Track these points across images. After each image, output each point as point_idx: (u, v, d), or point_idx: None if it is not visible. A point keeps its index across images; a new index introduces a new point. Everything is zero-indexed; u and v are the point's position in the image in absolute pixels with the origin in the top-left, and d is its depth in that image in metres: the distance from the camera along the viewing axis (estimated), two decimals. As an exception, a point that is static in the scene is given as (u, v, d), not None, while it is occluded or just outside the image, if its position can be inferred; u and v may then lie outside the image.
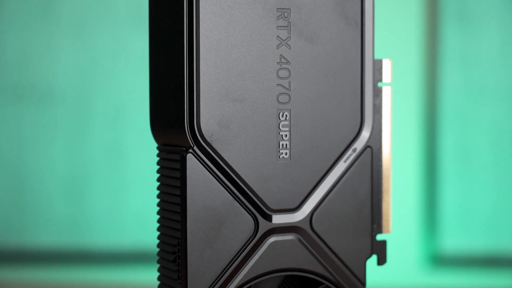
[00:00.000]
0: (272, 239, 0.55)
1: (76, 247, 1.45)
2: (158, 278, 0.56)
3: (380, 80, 0.58)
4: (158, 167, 0.56)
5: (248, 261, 0.54)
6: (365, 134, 0.57)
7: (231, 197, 0.54)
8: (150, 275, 1.40)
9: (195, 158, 0.53)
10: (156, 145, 0.57)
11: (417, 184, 1.35)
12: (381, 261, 0.59)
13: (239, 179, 0.54)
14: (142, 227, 1.45)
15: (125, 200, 1.46)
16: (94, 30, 1.44)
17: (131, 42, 1.44)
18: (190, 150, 0.52)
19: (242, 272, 0.54)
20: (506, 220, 1.45)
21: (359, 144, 0.57)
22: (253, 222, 0.54)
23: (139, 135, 1.45)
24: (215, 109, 0.53)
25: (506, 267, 1.42)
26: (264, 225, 0.54)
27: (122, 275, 1.40)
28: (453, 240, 1.40)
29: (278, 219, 0.55)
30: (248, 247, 0.54)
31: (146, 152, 1.45)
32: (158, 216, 0.56)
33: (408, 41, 1.36)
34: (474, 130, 1.40)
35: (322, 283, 0.56)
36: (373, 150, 0.57)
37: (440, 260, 1.38)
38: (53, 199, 1.45)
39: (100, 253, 1.45)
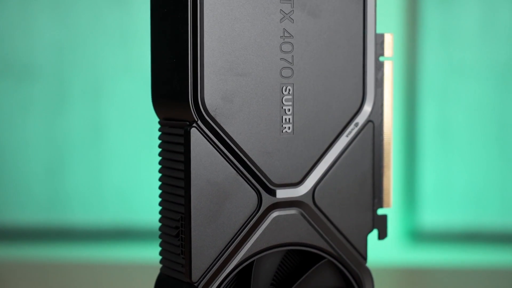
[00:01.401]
0: (275, 213, 0.55)
1: (55, 224, 1.44)
2: (160, 253, 0.56)
3: (382, 54, 0.58)
4: (158, 141, 0.56)
5: (251, 235, 0.54)
6: (367, 108, 0.57)
7: (235, 171, 0.53)
8: (130, 252, 1.40)
9: (199, 133, 0.52)
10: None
11: (396, 160, 1.36)
12: (382, 235, 0.59)
13: (242, 154, 0.53)
14: (122, 204, 1.45)
15: (104, 177, 1.45)
16: (73, 5, 1.42)
17: (110, 17, 1.43)
18: (194, 124, 0.52)
19: (245, 246, 0.54)
20: (484, 196, 1.46)
21: (361, 119, 0.57)
22: (256, 197, 0.54)
23: (118, 112, 1.44)
24: (219, 83, 0.52)
25: (484, 243, 1.43)
26: (267, 200, 0.54)
27: (102, 252, 1.40)
28: (432, 215, 1.41)
29: (281, 193, 0.55)
30: (252, 221, 0.54)
31: (125, 128, 1.44)
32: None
33: (388, 17, 1.36)
34: (453, 106, 1.41)
35: (324, 258, 0.56)
36: (374, 125, 0.57)
37: (419, 236, 1.39)
38: (32, 177, 1.44)
39: (79, 230, 1.44)
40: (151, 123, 1.44)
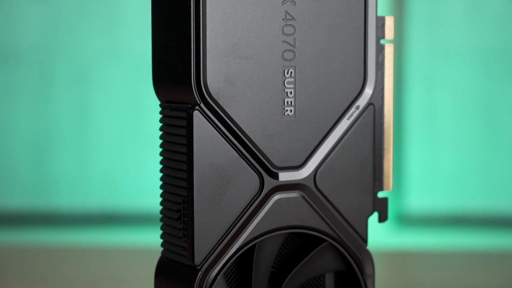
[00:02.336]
0: (276, 196, 0.55)
1: (42, 209, 1.44)
2: (161, 236, 0.56)
3: (383, 37, 0.58)
4: (160, 124, 0.55)
5: (253, 218, 0.54)
6: (368, 91, 0.57)
7: (237, 154, 0.53)
8: (116, 236, 1.39)
9: (201, 115, 0.52)
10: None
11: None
12: (382, 218, 0.59)
13: (244, 137, 0.53)
14: (108, 189, 1.44)
15: (91, 161, 1.44)
16: (58, -11, 1.41)
17: (96, 1, 1.42)
18: (197, 107, 0.52)
19: (247, 229, 0.54)
20: (469, 180, 1.47)
21: (362, 102, 0.57)
22: (258, 180, 0.54)
23: (104, 96, 1.43)
24: (221, 65, 0.52)
25: (469, 226, 1.44)
26: (269, 183, 0.54)
27: (88, 237, 1.39)
28: (418, 199, 1.42)
29: (283, 176, 0.55)
30: (254, 204, 0.54)
31: (112, 112, 1.44)
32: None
33: (376, 2, 1.36)
34: (440, 91, 1.42)
35: (325, 241, 0.57)
36: (375, 108, 0.58)
37: (405, 220, 1.39)
38: (18, 161, 1.43)
39: (66, 215, 1.44)
40: (138, 106, 1.44)
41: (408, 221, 1.39)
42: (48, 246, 1.29)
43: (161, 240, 0.56)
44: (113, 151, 1.44)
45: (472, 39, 1.41)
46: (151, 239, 1.31)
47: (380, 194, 0.59)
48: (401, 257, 1.24)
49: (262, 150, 0.54)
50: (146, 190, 1.41)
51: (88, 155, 1.44)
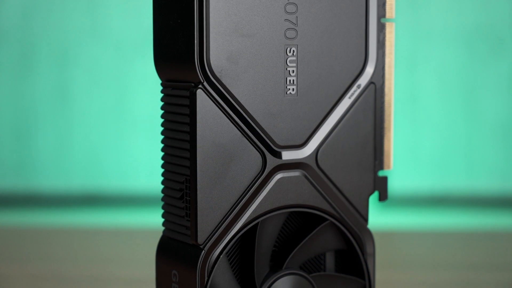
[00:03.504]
0: (279, 175, 0.54)
1: (23, 190, 1.43)
2: (163, 216, 0.56)
3: (384, 16, 0.58)
4: (161, 103, 0.55)
5: (256, 197, 0.54)
6: (369, 70, 0.57)
7: (240, 133, 0.53)
8: (100, 217, 1.39)
9: (204, 94, 0.52)
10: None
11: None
12: (383, 197, 0.59)
13: (247, 115, 0.53)
14: (90, 170, 1.44)
15: (73, 141, 1.44)
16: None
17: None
18: (200, 86, 0.52)
19: (250, 208, 0.54)
20: (452, 160, 1.48)
21: (363, 80, 0.57)
22: (261, 159, 0.54)
23: (86, 75, 1.42)
24: (225, 44, 0.52)
25: (452, 206, 1.45)
26: (271, 162, 0.54)
27: (71, 218, 1.39)
28: (401, 180, 1.42)
29: (285, 155, 0.54)
30: (256, 183, 0.54)
31: (94, 92, 1.43)
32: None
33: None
34: (422, 71, 1.42)
35: (326, 220, 0.57)
36: (376, 87, 0.58)
37: (388, 200, 1.40)
38: (-1, 142, 1.42)
39: (48, 196, 1.43)
40: (120, 86, 1.43)
41: (391, 201, 1.40)
42: (30, 227, 1.28)
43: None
44: (96, 131, 1.44)
45: (455, 19, 1.41)
46: (135, 219, 1.31)
47: (381, 173, 0.59)
48: (384, 237, 1.25)
49: (265, 129, 0.54)
50: (130, 171, 1.40)
51: (70, 135, 1.43)
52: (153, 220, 1.26)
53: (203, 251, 0.53)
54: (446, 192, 1.46)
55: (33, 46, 1.41)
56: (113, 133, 1.43)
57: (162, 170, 0.55)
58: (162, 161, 0.56)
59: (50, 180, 1.43)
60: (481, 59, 1.45)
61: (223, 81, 0.52)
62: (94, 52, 1.42)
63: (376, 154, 0.58)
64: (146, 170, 1.39)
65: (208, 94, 0.52)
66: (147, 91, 1.38)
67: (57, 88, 1.42)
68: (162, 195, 0.56)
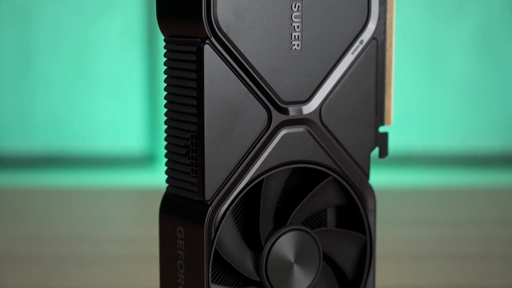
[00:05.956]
0: (284, 131, 0.54)
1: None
2: (166, 172, 0.55)
3: (385, -29, 0.58)
4: (164, 59, 0.54)
5: (261, 153, 0.54)
6: (371, 26, 0.57)
7: (246, 89, 0.53)
8: (61, 178, 1.37)
9: (212, 50, 0.51)
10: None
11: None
12: (383, 153, 0.59)
13: (253, 71, 0.53)
14: (53, 131, 1.42)
15: (34, 103, 1.41)
16: None
17: None
18: (207, 41, 0.51)
19: (256, 164, 0.54)
20: (414, 119, 1.49)
21: (365, 36, 0.57)
22: (266, 115, 0.54)
23: (47, 35, 1.40)
24: (231, -1, 0.52)
25: (414, 165, 1.47)
26: (277, 117, 0.54)
27: (33, 179, 1.37)
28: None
29: (290, 111, 0.54)
30: (262, 139, 0.54)
31: (55, 52, 1.41)
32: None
33: None
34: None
35: (328, 176, 0.57)
36: (378, 42, 0.58)
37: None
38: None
39: (9, 158, 1.41)
40: (83, 46, 1.41)
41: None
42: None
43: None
44: (59, 92, 1.42)
45: None
46: (97, 180, 1.30)
47: (381, 129, 0.59)
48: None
49: (270, 84, 0.53)
50: (92, 132, 1.39)
51: (32, 97, 1.41)
52: (117, 180, 1.25)
53: (210, 207, 0.52)
54: (408, 151, 1.48)
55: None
56: (76, 93, 1.41)
57: (165, 126, 0.55)
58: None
59: (12, 141, 1.41)
60: (444, 19, 1.46)
61: (230, 37, 0.52)
62: (56, 11, 1.39)
63: (378, 109, 0.58)
64: (109, 130, 1.38)
65: (215, 49, 0.51)
66: (110, 51, 1.36)
67: (18, 48, 1.39)
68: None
